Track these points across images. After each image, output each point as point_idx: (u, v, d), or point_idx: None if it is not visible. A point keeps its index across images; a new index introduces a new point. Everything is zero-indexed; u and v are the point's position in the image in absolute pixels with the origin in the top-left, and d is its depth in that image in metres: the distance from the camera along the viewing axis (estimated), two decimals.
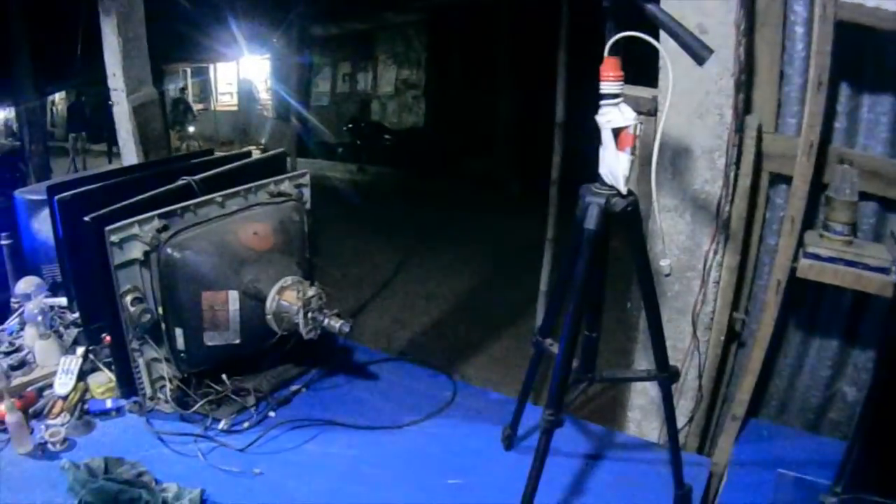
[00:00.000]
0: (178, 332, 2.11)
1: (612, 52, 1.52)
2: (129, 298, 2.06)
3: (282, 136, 10.54)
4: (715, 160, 2.06)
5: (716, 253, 2.11)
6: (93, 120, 12.55)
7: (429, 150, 11.73)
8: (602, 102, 1.55)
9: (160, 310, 2.10)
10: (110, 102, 3.61)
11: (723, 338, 2.20)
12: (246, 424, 2.16)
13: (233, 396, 2.23)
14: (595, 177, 1.62)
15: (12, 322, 2.69)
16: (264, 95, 13.21)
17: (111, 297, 2.08)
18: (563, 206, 3.56)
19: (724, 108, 2.02)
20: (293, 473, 1.96)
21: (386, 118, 13.46)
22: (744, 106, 2.06)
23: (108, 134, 11.32)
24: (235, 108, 16.29)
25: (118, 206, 2.10)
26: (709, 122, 2.04)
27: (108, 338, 2.38)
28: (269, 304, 2.14)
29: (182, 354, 2.14)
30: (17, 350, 2.53)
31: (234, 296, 2.12)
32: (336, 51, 14.11)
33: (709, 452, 2.33)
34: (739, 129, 2.03)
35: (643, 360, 2.24)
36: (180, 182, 2.29)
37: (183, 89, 16.47)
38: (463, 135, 11.30)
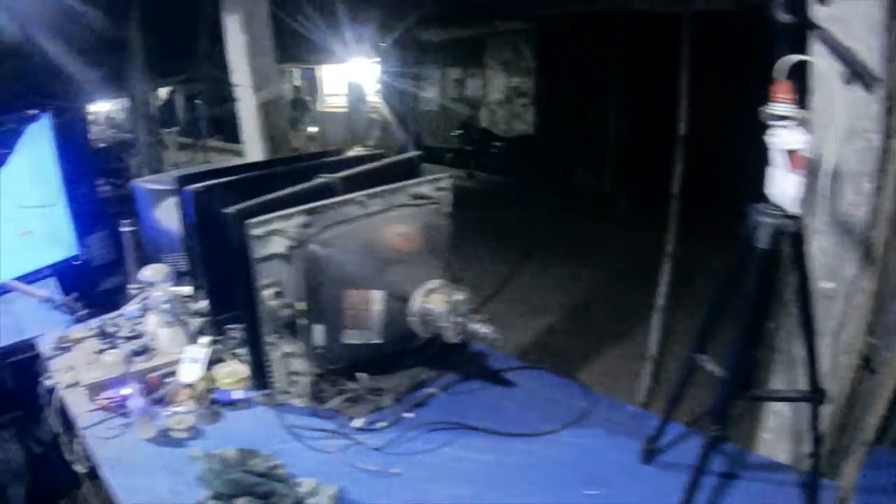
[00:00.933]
0: (318, 328, 2.12)
1: (784, 74, 1.53)
2: (269, 292, 2.08)
3: (390, 139, 10.58)
4: (861, 184, 2.04)
5: (858, 277, 2.10)
6: (183, 115, 12.60)
7: (537, 160, 11.67)
8: (774, 124, 1.56)
9: (300, 305, 2.11)
10: (196, 100, 3.70)
11: (858, 362, 2.18)
12: (381, 424, 2.16)
13: (368, 395, 2.23)
14: (760, 197, 1.63)
15: (132, 308, 2.73)
16: (373, 98, 13.19)
17: (249, 290, 2.10)
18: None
19: (872, 132, 2.01)
20: (430, 476, 1.95)
21: (495, 125, 13.39)
22: (889, 131, 2.05)
23: (196, 129, 11.51)
24: (342, 110, 16.25)
25: (260, 200, 2.13)
26: (856, 146, 2.03)
27: (234, 329, 2.42)
28: (415, 306, 2.15)
29: (320, 351, 2.15)
30: (139, 336, 2.56)
31: (378, 295, 2.14)
32: (446, 56, 14.05)
33: (832, 477, 2.31)
34: (886, 153, 2.03)
35: (779, 380, 2.23)
36: (319, 180, 2.31)
37: (298, 89, 16.50)
38: (572, 145, 11.24)
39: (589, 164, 11.00)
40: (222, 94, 5.39)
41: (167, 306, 2.50)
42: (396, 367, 2.35)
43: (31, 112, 4.16)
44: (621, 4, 7.32)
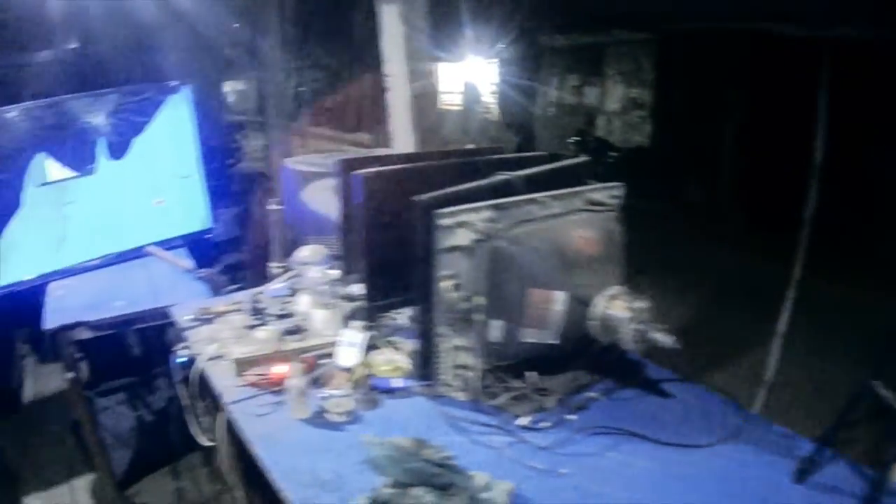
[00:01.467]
0: (497, 323, 2.11)
1: None
2: (448, 284, 2.08)
3: (505, 140, 10.54)
4: None
5: None
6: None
7: (651, 172, 11.57)
8: None
9: (478, 299, 2.10)
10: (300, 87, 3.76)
11: None
12: (544, 424, 2.14)
13: (532, 395, 2.22)
14: None
15: (277, 286, 2.74)
16: (488, 99, 13.12)
17: (428, 280, 2.10)
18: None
19: None
20: (597, 479, 1.92)
21: (611, 135, 13.23)
22: None
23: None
24: (458, 108, 16.12)
25: (447, 191, 2.14)
26: None
27: (392, 316, 2.43)
28: (597, 310, 2.14)
29: (494, 346, 2.14)
30: (289, 315, 2.57)
31: (561, 296, 2.13)
32: (565, 62, 13.89)
33: None
34: None
35: None
36: (500, 177, 2.31)
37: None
38: (687, 160, 11.13)
39: (703, 180, 10.87)
40: (333, 83, 5.40)
41: (324, 288, 2.50)
42: (559, 368, 2.34)
43: (173, 83, 4.20)
44: (753, 24, 7.15)
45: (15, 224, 3.70)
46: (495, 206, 2.11)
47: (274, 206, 2.97)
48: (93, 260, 3.97)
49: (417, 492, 1.73)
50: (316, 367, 2.36)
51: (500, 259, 2.08)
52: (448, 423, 2.13)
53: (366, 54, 5.55)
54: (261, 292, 2.79)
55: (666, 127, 11.82)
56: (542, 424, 2.14)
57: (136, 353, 3.41)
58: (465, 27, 6.27)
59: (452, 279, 2.09)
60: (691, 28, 9.06)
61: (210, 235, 4.39)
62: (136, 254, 4.10)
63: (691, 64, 10.43)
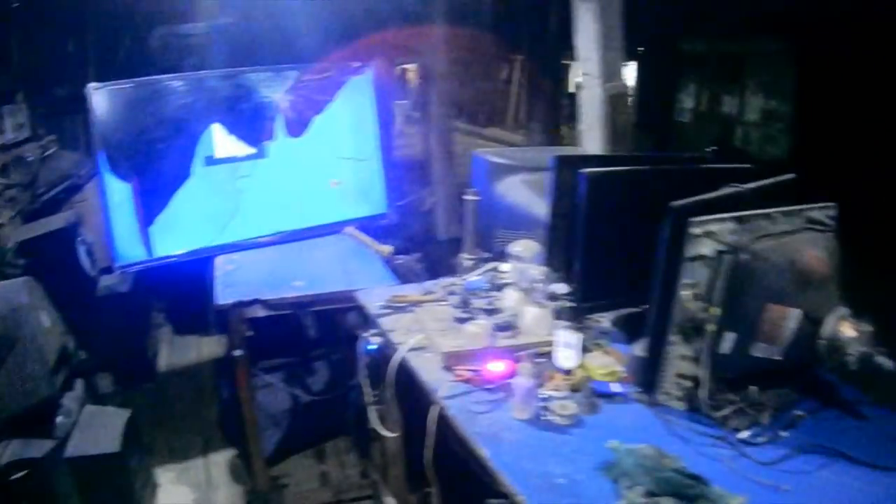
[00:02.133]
0: (729, 336, 2.11)
1: None
2: (689, 293, 2.08)
3: (641, 143, 10.44)
4: None
5: None
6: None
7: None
8: None
9: (714, 310, 2.10)
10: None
11: None
12: (761, 439, 2.12)
13: (749, 408, 2.21)
14: None
15: (475, 278, 2.76)
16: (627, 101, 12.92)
17: (667, 288, 2.11)
18: None
19: None
20: (815, 498, 1.89)
21: (748, 146, 12.99)
22: None
23: None
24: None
25: (698, 199, 2.14)
26: None
27: (594, 319, 2.43)
28: (827, 330, 2.13)
29: (722, 358, 2.14)
30: (496, 310, 2.59)
31: (795, 313, 2.12)
32: (704, 69, 13.69)
33: None
34: None
35: None
36: (730, 189, 2.30)
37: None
38: (832, 178, 10.69)
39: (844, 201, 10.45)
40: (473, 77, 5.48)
41: (536, 285, 2.51)
42: (773, 384, 2.32)
43: (356, 64, 4.25)
44: None
45: (183, 195, 3.85)
46: (738, 219, 2.11)
47: (470, 197, 2.98)
48: (264, 237, 4.09)
49: (668, 502, 1.73)
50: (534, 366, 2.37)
51: (742, 272, 2.06)
52: (671, 433, 2.12)
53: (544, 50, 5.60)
54: (454, 283, 2.81)
55: (806, 142, 11.40)
56: (759, 439, 2.12)
57: (300, 333, 3.45)
58: None
59: (693, 288, 2.09)
60: (839, 34, 8.57)
61: (385, 221, 4.47)
62: (310, 233, 4.21)
63: (837, 76, 9.96)
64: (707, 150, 12.18)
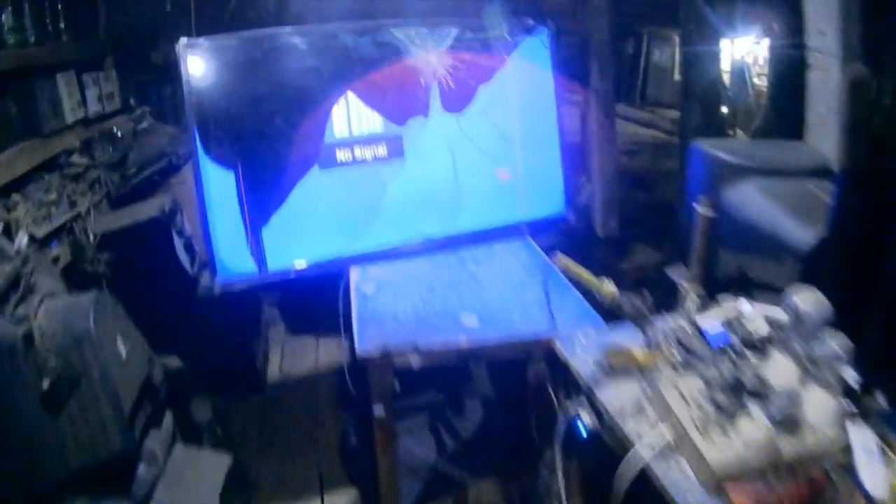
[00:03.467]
0: None
1: None
2: None
3: (774, 128, 9.50)
4: None
5: None
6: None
7: None
8: None
9: None
10: None
11: None
12: None
13: None
14: None
15: (711, 324, 1.88)
16: (758, 81, 12.04)
17: None
18: None
19: None
20: None
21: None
22: None
23: None
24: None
25: None
26: None
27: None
28: None
29: None
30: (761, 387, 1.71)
31: None
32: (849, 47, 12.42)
33: None
34: None
35: None
36: None
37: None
38: None
39: None
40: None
41: (824, 360, 1.66)
42: None
43: (529, 22, 3.37)
44: None
45: (305, 187, 3.04)
46: None
47: (703, 209, 2.14)
48: (412, 244, 3.23)
49: None
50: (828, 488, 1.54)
51: None
52: None
53: None
54: (682, 329, 1.93)
55: None
56: None
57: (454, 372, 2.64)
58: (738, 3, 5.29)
59: None
60: None
61: (563, 224, 3.57)
62: (472, 240, 3.32)
63: None
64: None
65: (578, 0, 5.18)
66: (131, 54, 4.70)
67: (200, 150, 2.83)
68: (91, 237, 3.42)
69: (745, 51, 9.68)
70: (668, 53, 12.63)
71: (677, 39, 14.84)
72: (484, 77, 3.27)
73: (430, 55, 3.14)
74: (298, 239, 3.02)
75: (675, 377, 1.81)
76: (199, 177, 2.85)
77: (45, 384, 2.15)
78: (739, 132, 5.84)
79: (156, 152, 4.40)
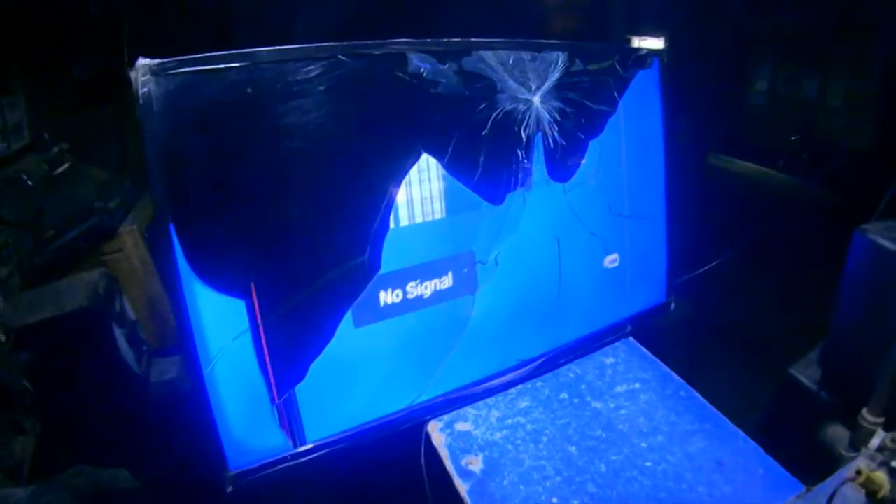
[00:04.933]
0: None
1: None
2: None
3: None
4: None
5: None
6: None
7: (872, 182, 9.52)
8: None
9: None
10: None
11: None
12: None
13: None
14: None
15: None
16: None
17: None
18: None
19: None
20: None
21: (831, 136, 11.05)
22: None
23: None
24: None
25: None
26: None
27: None
28: None
29: None
30: None
31: None
32: (774, 48, 11.81)
33: None
34: None
35: None
36: None
37: None
38: None
39: None
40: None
41: None
42: None
43: (641, 49, 2.34)
44: None
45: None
46: None
47: None
48: (507, 371, 2.22)
49: None
50: None
51: None
52: None
53: None
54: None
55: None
56: None
57: None
58: None
59: None
60: None
61: (663, 314, 2.64)
62: (576, 352, 2.38)
63: None
64: (792, 138, 10.11)
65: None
66: (46, 70, 3.48)
67: (181, 258, 1.64)
68: (3, 336, 2.31)
69: None
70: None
71: None
72: (595, 129, 2.25)
73: (533, 95, 2.03)
74: (346, 392, 1.92)
75: None
76: (184, 304, 1.65)
77: None
78: None
79: (80, 207, 3.21)
